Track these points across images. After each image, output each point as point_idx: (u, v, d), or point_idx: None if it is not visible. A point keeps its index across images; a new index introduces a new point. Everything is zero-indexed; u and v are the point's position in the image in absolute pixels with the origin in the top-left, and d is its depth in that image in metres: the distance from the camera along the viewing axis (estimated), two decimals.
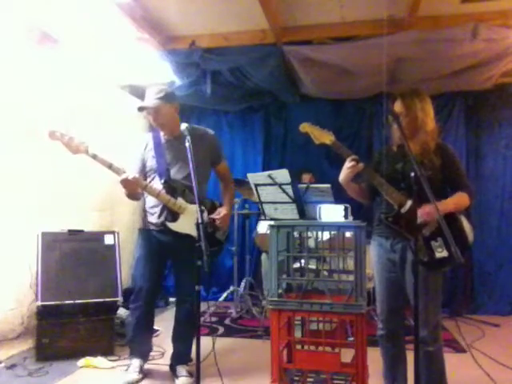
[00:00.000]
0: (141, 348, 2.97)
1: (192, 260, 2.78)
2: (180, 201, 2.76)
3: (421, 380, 1.89)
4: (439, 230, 1.98)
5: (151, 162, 2.84)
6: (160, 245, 2.83)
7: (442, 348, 2.19)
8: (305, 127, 2.34)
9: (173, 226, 2.75)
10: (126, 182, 2.62)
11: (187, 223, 2.72)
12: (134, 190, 2.72)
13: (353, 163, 2.20)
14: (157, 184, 2.79)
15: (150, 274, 2.88)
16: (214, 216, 2.83)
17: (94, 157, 2.61)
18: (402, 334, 2.31)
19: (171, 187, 2.76)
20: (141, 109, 2.82)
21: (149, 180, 2.85)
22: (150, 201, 2.87)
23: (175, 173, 2.81)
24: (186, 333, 2.91)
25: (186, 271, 2.83)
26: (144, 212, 2.94)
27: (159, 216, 2.81)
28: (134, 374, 2.85)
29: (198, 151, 2.72)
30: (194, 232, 2.66)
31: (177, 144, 2.83)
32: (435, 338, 2.14)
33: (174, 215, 2.76)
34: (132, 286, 3.11)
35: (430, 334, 2.12)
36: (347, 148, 2.26)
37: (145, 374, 2.95)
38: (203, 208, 2.80)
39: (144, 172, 2.87)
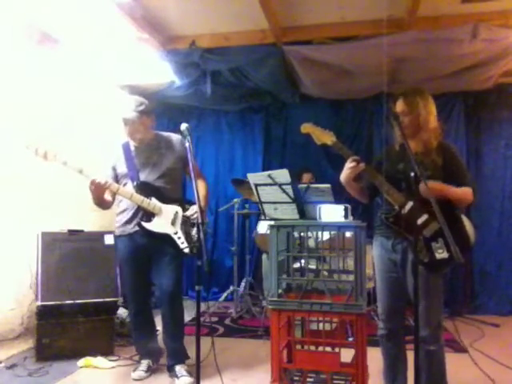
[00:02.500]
0: (146, 349, 3.04)
1: (168, 259, 2.85)
2: (154, 201, 2.81)
3: (421, 380, 1.89)
4: (440, 231, 1.98)
5: (122, 168, 2.89)
6: (137, 247, 2.87)
7: (443, 348, 2.19)
8: (306, 128, 2.34)
9: (149, 225, 2.80)
10: (94, 185, 2.65)
11: (163, 223, 2.81)
12: (101, 194, 2.75)
13: (354, 164, 2.20)
14: (129, 188, 2.84)
15: (137, 281, 2.95)
16: (188, 213, 2.88)
17: (65, 163, 2.63)
18: (403, 334, 2.31)
19: (144, 189, 2.82)
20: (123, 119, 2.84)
21: (121, 186, 2.87)
22: (121, 205, 2.92)
23: (145, 176, 2.86)
24: (174, 331, 2.94)
25: (164, 271, 2.88)
26: (115, 217, 2.97)
27: (133, 217, 2.85)
28: (141, 372, 2.93)
29: (167, 156, 2.89)
30: (169, 230, 2.81)
31: (146, 150, 2.90)
32: (436, 337, 2.14)
33: (148, 216, 2.81)
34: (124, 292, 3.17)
35: (431, 333, 2.12)
36: (348, 148, 2.27)
37: (152, 372, 2.99)
38: (178, 208, 2.87)
39: (116, 179, 2.91)
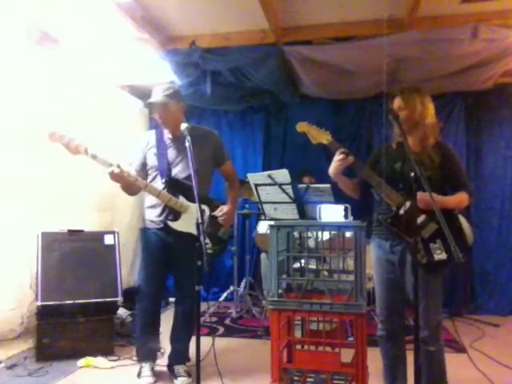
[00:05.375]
0: (150, 350, 2.94)
1: (191, 260, 2.79)
2: (181, 200, 2.74)
3: (421, 380, 1.89)
4: (438, 232, 1.97)
5: (153, 160, 2.83)
6: (161, 244, 2.82)
7: (443, 348, 2.19)
8: (302, 127, 2.32)
9: (174, 225, 2.74)
10: (114, 176, 2.58)
11: (189, 222, 2.71)
12: (126, 183, 2.69)
13: (342, 156, 2.18)
14: (158, 183, 2.78)
15: (154, 276, 2.89)
16: (215, 213, 2.82)
17: (94, 157, 2.58)
18: (402, 334, 2.31)
19: (172, 186, 2.75)
20: (147, 105, 2.79)
21: (150, 178, 2.83)
22: (151, 199, 2.85)
23: (177, 172, 2.79)
24: (183, 332, 2.91)
25: (186, 271, 2.82)
26: (144, 210, 2.92)
27: (160, 214, 2.81)
28: (149, 378, 2.83)
29: (200, 151, 2.71)
30: (195, 231, 2.65)
31: (179, 143, 2.81)
32: (436, 338, 2.15)
33: (175, 214, 2.75)
34: (137, 287, 3.07)
35: (431, 334, 2.12)
36: (345, 148, 2.25)
37: (156, 374, 2.91)
38: (205, 207, 2.79)
39: (145, 170, 2.86)
